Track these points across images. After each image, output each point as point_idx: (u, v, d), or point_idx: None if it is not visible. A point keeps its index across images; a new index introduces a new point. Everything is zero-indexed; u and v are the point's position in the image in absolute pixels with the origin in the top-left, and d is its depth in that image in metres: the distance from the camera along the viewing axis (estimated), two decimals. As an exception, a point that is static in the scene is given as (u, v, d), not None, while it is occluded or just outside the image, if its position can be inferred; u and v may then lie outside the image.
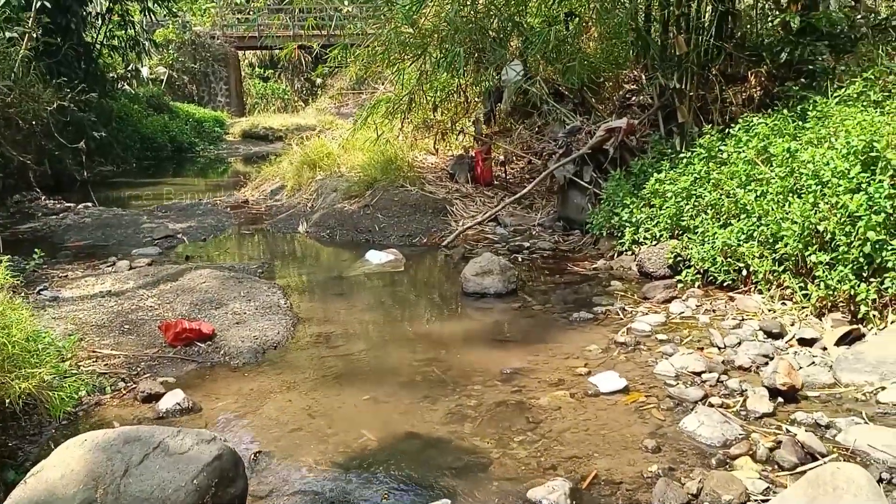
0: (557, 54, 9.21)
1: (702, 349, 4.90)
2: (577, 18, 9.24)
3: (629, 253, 7.31)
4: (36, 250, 7.45)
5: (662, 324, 5.47)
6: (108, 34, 20.27)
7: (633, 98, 9.52)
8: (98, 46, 19.69)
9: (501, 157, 10.55)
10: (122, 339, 5.28)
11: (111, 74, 22.42)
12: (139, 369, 4.81)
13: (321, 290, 6.91)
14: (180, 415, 4.13)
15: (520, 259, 7.68)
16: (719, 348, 4.90)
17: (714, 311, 5.67)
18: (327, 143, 12.88)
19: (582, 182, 8.55)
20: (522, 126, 9.23)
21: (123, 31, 20.79)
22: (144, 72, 28.24)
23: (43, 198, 12.68)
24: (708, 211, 6.38)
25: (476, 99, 11.44)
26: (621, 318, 5.68)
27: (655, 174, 7.40)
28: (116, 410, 4.28)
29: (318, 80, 42.57)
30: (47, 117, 13.84)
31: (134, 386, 4.53)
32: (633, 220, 7.25)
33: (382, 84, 12.15)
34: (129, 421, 4.07)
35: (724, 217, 6.20)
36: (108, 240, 9.15)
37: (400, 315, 6.14)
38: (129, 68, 24.41)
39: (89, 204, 12.07)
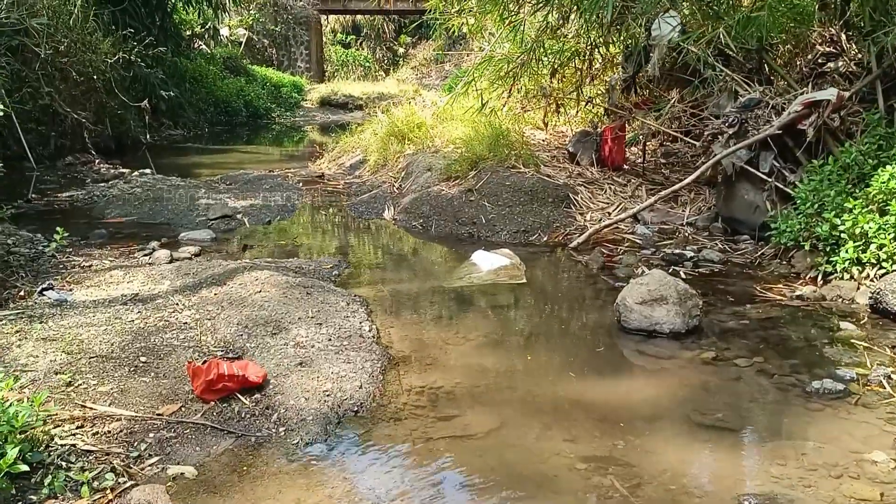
0: (725, 5, 7.06)
1: None
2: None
3: (847, 277, 5.19)
4: (58, 230, 5.86)
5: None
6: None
7: (829, 64, 7.26)
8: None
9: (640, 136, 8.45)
10: (131, 382, 3.52)
11: (187, 32, 21.09)
12: (144, 446, 3.03)
13: (417, 308, 5.02)
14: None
15: (682, 274, 5.63)
16: None
17: None
18: (418, 112, 11.00)
19: (758, 172, 6.41)
20: (678, 94, 7.16)
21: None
22: (224, 32, 26.97)
23: (97, 161, 11.24)
24: None
25: (603, 63, 9.33)
26: (891, 394, 3.61)
27: (889, 167, 5.24)
28: (88, 540, 2.51)
29: (401, 50, 40.96)
30: (107, 71, 12.44)
31: (126, 486, 2.74)
32: (857, 230, 5.12)
33: (489, 43, 10.18)
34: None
35: None
36: (155, 217, 7.51)
37: (534, 362, 4.20)
38: (207, 27, 23.08)
39: (147, 171, 10.54)
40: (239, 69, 22.83)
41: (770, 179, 6.32)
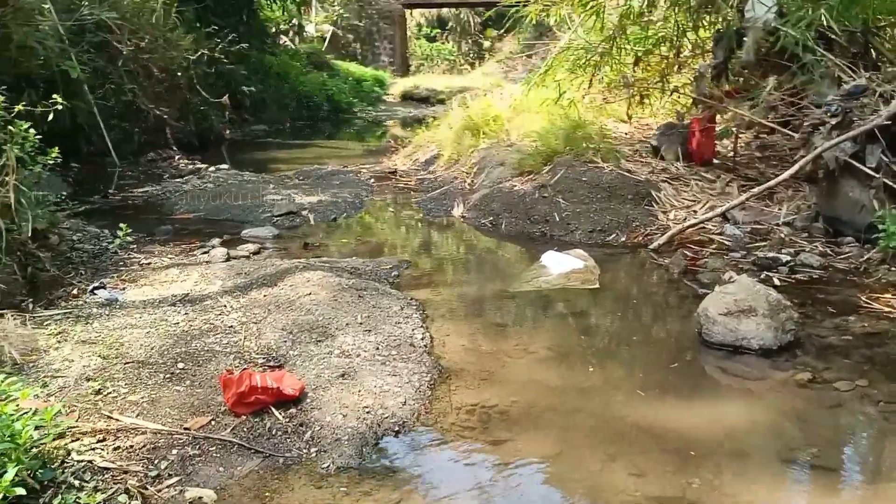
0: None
1: None
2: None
3: (973, 288, 4.53)
4: (121, 226, 5.82)
5: None
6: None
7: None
8: (259, -3, 18.49)
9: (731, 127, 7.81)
10: (164, 391, 3.31)
11: (272, 29, 21.36)
12: (164, 464, 2.80)
13: (478, 314, 4.66)
14: None
15: (776, 281, 5.06)
16: None
17: None
18: (494, 105, 10.61)
19: (864, 167, 5.73)
20: (774, 82, 6.50)
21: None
22: (310, 28, 27.32)
23: (177, 157, 11.35)
24: None
25: (691, 50, 8.69)
26: None
27: None
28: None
29: (486, 43, 40.54)
30: (190, 68, 12.61)
31: (137, 511, 2.52)
32: None
33: (569, 31, 9.68)
34: None
35: None
36: (221, 213, 7.42)
37: (601, 379, 3.78)
38: (292, 23, 23.36)
39: (223, 166, 10.56)
40: (322, 64, 22.96)
41: (878, 175, 5.64)
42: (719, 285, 4.36)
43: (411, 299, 4.64)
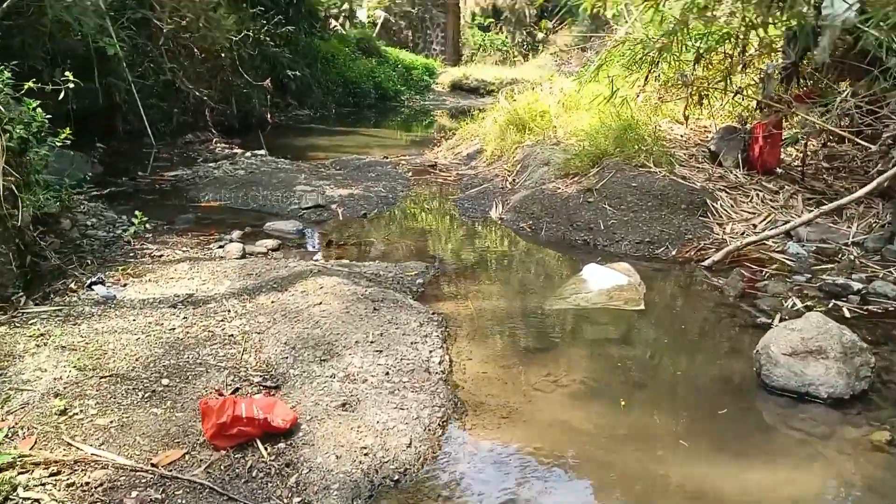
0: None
1: None
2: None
3: None
4: (137, 214, 5.51)
5: None
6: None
7: None
8: (309, -21, 18.15)
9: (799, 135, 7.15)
10: (138, 413, 2.93)
11: (322, 12, 21.04)
12: (121, 509, 2.42)
13: (505, 334, 4.19)
14: None
15: (846, 312, 4.47)
16: None
17: None
18: (542, 99, 10.07)
19: (953, 187, 5.09)
20: (851, 87, 5.86)
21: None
22: (361, 14, 26.99)
23: (214, 140, 11.08)
24: None
25: (759, 48, 8.02)
26: None
27: None
28: None
29: (541, 35, 39.76)
30: (233, 49, 12.33)
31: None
32: None
33: (625, 24, 9.09)
34: None
35: None
36: (247, 202, 7.07)
37: (640, 424, 3.27)
38: (343, 8, 23.04)
39: (259, 151, 10.25)
40: (371, 50, 22.59)
41: (970, 196, 5.00)
42: (781, 315, 3.82)
43: (433, 313, 4.18)
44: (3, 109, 4.07)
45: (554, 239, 6.25)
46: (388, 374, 3.36)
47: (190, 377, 3.25)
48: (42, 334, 3.52)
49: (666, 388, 3.65)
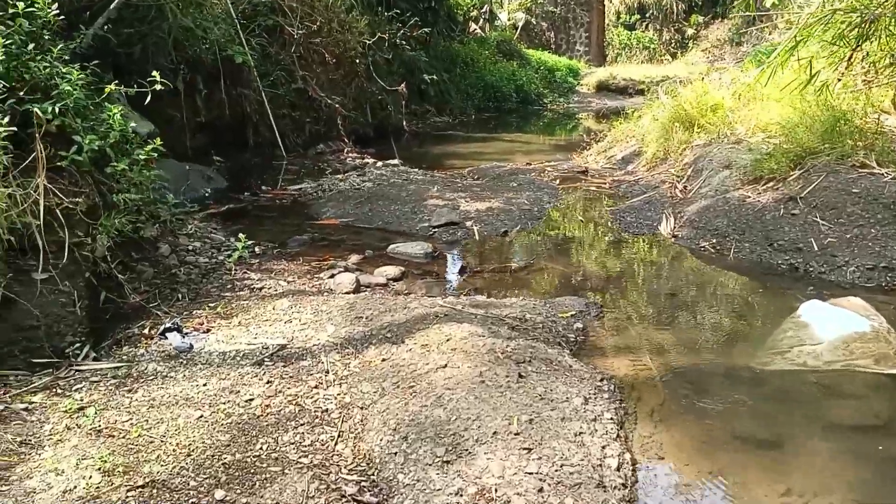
0: None
1: None
2: None
3: None
4: (240, 237, 4.72)
5: None
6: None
7: None
8: (448, -18, 17.42)
9: None
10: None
11: (461, 16, 20.28)
12: None
13: (710, 412, 2.90)
14: None
15: None
16: None
17: None
18: (713, 92, 8.58)
19: None
20: None
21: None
22: (502, 16, 26.10)
23: (346, 150, 10.39)
24: None
25: None
26: None
27: None
28: None
29: (690, 31, 37.29)
30: (367, 53, 11.68)
31: None
32: None
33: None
34: None
35: None
36: (371, 220, 6.15)
37: None
38: (483, 10, 22.20)
39: (392, 161, 9.44)
40: (512, 53, 21.60)
41: None
42: None
43: (602, 379, 2.99)
44: (37, 111, 3.28)
45: (747, 262, 4.86)
46: (541, 490, 2.21)
47: (257, 485, 2.26)
48: (81, 408, 2.66)
49: None
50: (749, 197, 5.52)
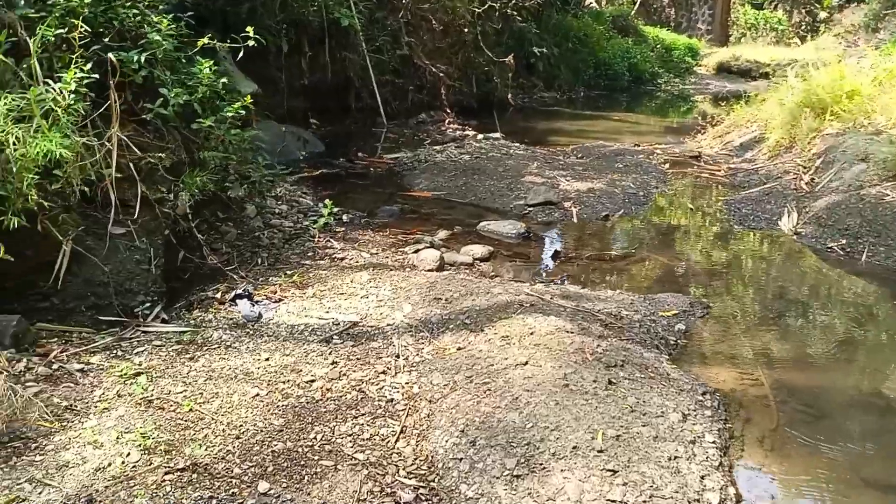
0: None
1: None
2: None
3: None
4: (326, 203, 4.56)
5: None
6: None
7: None
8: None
9: None
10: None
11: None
12: None
13: (835, 444, 2.48)
14: None
15: None
16: None
17: None
18: (849, 75, 7.77)
19: None
20: None
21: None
22: (620, -10, 25.06)
23: (447, 121, 10.13)
24: None
25: None
26: None
27: None
28: None
29: (823, 14, 34.85)
30: (476, 23, 11.33)
31: None
32: None
33: None
34: None
35: None
36: (464, 194, 5.87)
37: None
38: (600, -17, 21.35)
39: (494, 134, 9.10)
40: (628, 28, 20.69)
41: None
42: None
43: (704, 393, 2.62)
44: (114, 59, 3.15)
45: (882, 269, 4.30)
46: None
47: (305, 480, 2.05)
48: (138, 374, 2.53)
49: None
50: (888, 195, 4.90)
